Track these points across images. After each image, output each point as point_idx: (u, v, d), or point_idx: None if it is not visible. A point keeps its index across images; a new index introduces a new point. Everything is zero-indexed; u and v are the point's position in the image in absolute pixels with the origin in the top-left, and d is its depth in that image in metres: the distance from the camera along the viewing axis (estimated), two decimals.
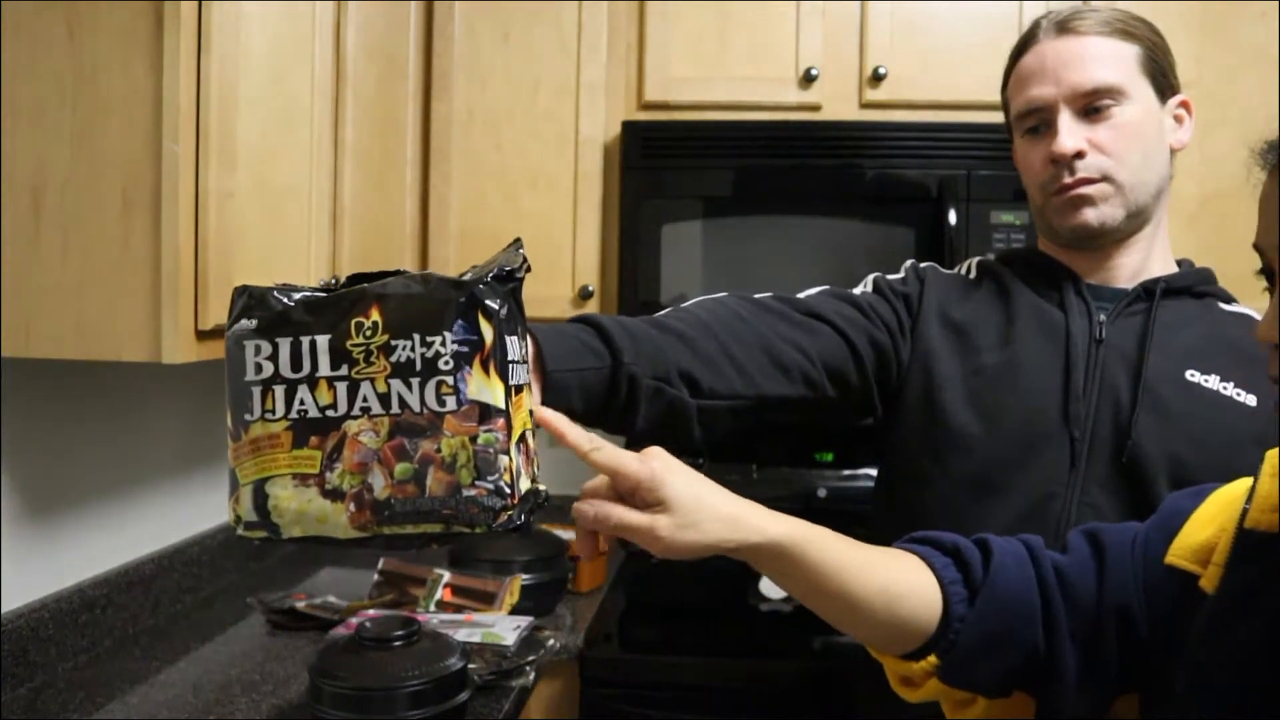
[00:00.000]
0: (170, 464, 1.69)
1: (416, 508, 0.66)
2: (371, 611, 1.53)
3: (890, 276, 1.21)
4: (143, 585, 1.56)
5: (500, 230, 1.93)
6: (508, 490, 0.65)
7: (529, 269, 0.72)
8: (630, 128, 1.88)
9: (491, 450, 0.65)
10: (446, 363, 0.65)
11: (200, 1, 1.13)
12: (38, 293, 1.14)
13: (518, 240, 0.75)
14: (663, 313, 1.03)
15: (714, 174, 1.87)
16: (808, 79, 1.89)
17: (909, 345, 1.14)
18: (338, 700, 1.14)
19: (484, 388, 0.65)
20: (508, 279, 0.68)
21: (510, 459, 0.66)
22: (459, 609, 1.57)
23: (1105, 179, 1.07)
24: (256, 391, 0.67)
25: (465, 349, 0.65)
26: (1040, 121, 1.11)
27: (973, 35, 1.88)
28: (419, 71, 1.91)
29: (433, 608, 1.58)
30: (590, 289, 1.91)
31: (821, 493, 2.07)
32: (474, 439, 0.65)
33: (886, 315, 1.14)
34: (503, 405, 0.65)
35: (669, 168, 1.87)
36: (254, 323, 0.68)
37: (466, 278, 0.67)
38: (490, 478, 0.65)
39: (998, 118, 1.85)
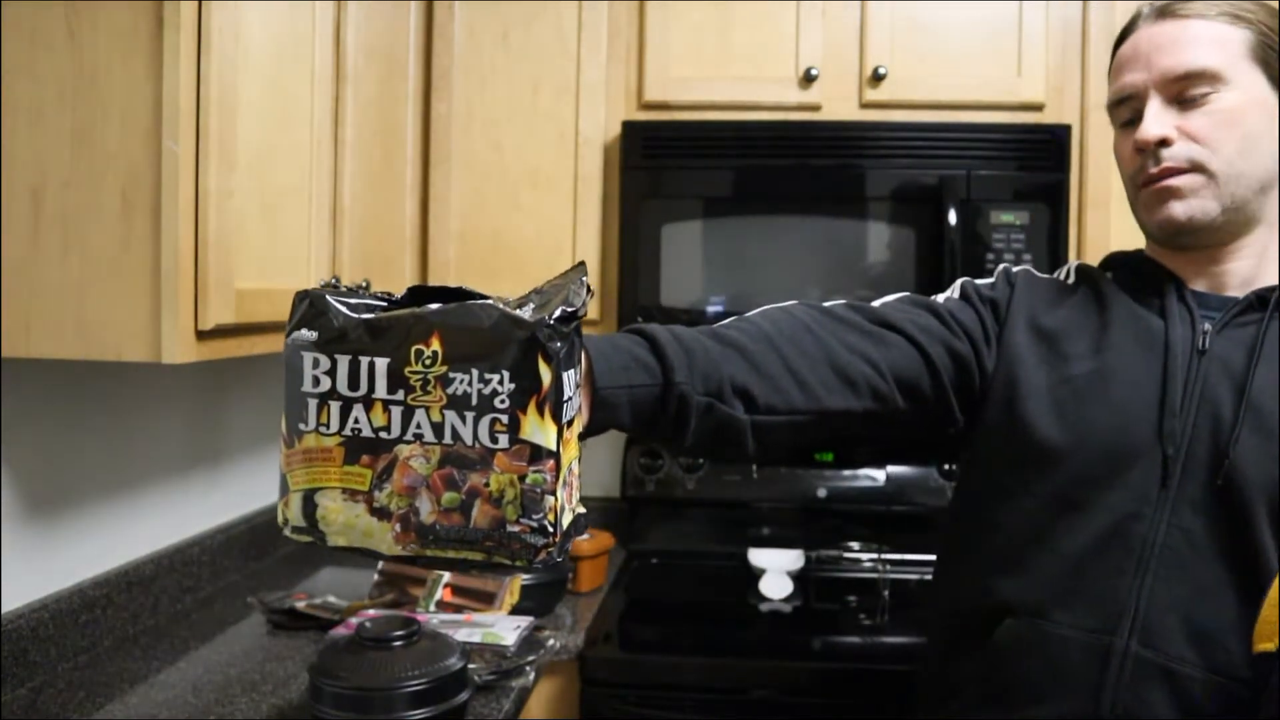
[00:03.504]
0: (170, 464, 1.69)
1: (460, 536, 0.66)
2: (371, 611, 1.53)
3: (979, 281, 1.15)
4: (143, 585, 1.56)
5: (500, 230, 1.94)
6: (550, 529, 0.66)
7: (592, 295, 0.71)
8: (630, 128, 1.88)
9: (538, 490, 0.66)
10: (502, 401, 0.65)
11: (200, 1, 1.13)
12: (38, 293, 1.14)
13: (581, 265, 0.75)
14: (725, 322, 0.99)
15: (714, 174, 1.87)
16: (808, 79, 1.88)
17: (994, 353, 1.08)
18: (338, 700, 1.14)
19: (537, 429, 0.65)
20: (570, 319, 0.68)
21: (556, 498, 0.66)
22: (459, 609, 1.57)
23: (1196, 169, 0.99)
24: (313, 404, 0.67)
25: (522, 390, 0.65)
26: (1133, 112, 1.03)
27: (973, 35, 1.88)
28: (419, 71, 1.91)
29: (433, 608, 1.58)
30: (590, 289, 1.90)
31: (821, 493, 2.07)
32: (522, 478, 0.65)
33: (969, 323, 1.08)
34: (554, 447, 0.66)
35: (669, 168, 1.87)
36: (314, 335, 0.67)
37: (529, 315, 0.66)
38: (535, 516, 0.66)
39: (998, 118, 1.88)
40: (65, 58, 1.13)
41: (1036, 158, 1.82)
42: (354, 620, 1.40)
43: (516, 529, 0.66)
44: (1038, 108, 1.88)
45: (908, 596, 1.86)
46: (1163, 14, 1.02)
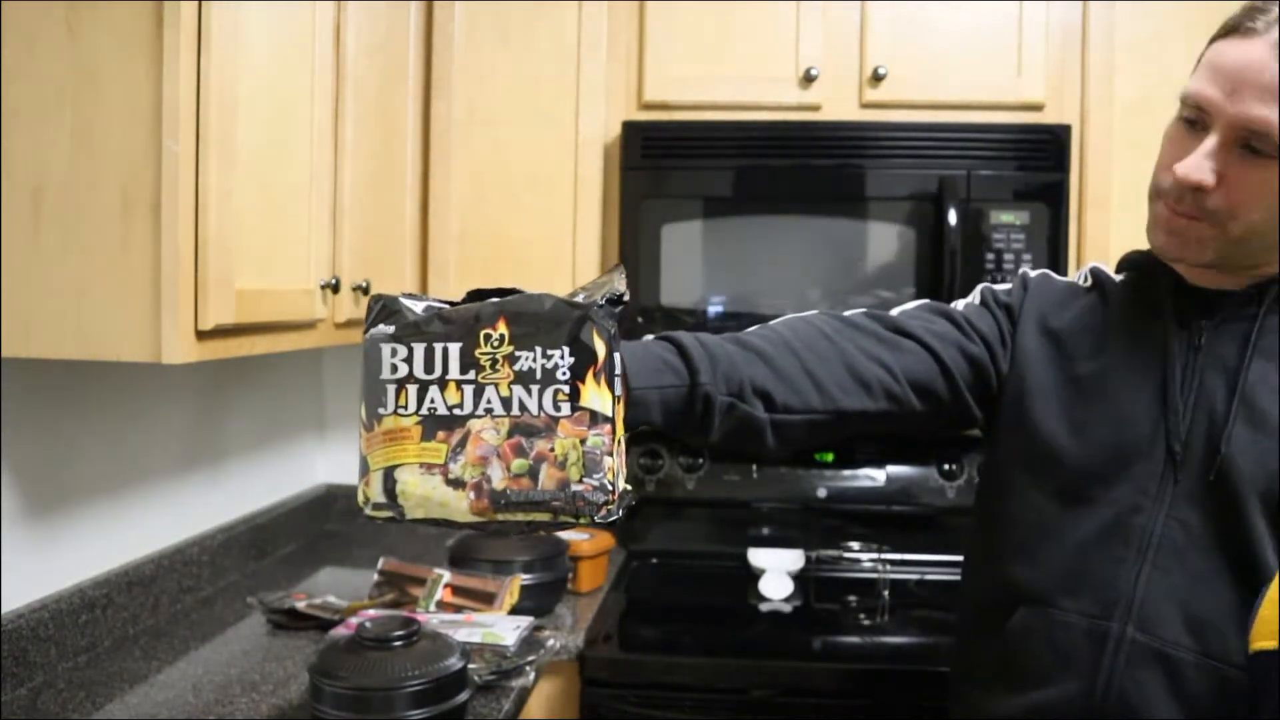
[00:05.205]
0: (170, 464, 1.69)
1: (530, 499, 0.75)
2: (371, 611, 1.53)
3: (998, 287, 1.19)
4: (143, 585, 1.56)
5: (500, 230, 1.94)
6: (610, 488, 0.75)
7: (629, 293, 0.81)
8: (630, 128, 1.87)
9: (598, 452, 0.74)
10: (563, 373, 0.74)
11: (200, 1, 1.14)
12: (38, 293, 1.14)
13: (620, 265, 0.85)
14: (750, 329, 1.06)
15: (714, 174, 1.87)
16: (808, 79, 1.88)
17: (1008, 355, 1.12)
18: (338, 700, 1.14)
19: (595, 396, 0.74)
20: (617, 303, 0.77)
21: (613, 460, 0.75)
22: (459, 609, 1.57)
23: (1212, 222, 0.97)
24: (391, 389, 0.75)
25: (580, 362, 0.74)
26: (1197, 117, 0.97)
27: (973, 35, 1.88)
28: (419, 71, 1.91)
29: (433, 608, 1.58)
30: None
31: (821, 493, 2.07)
32: (584, 441, 0.74)
33: (985, 327, 1.13)
34: (610, 413, 0.75)
35: (669, 168, 1.87)
36: (391, 328, 0.76)
37: (580, 299, 0.76)
38: (596, 476, 0.74)
39: (998, 118, 1.88)
40: (65, 58, 1.13)
41: (1036, 158, 1.83)
42: (354, 620, 1.40)
43: (580, 488, 0.74)
44: (1037, 108, 1.88)
45: (908, 596, 1.86)
46: (1255, 32, 0.94)
